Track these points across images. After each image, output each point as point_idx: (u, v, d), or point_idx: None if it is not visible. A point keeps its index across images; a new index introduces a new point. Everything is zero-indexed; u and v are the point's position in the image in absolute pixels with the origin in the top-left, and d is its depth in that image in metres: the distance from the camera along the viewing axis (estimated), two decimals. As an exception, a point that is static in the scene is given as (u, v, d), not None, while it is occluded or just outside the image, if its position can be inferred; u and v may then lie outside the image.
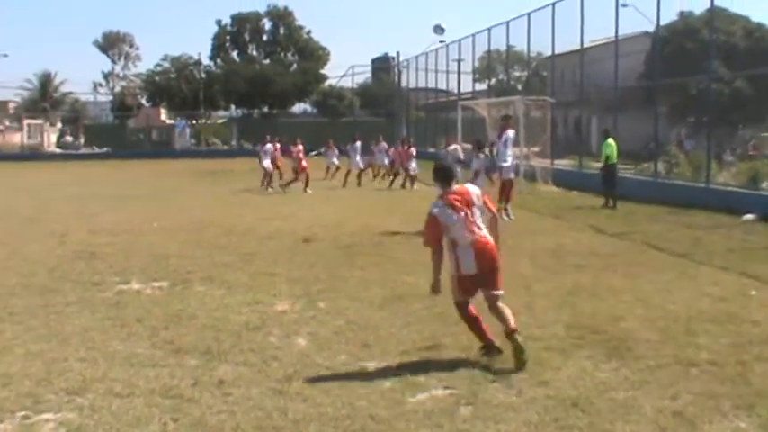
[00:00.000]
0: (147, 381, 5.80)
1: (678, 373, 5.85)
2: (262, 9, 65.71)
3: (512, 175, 16.16)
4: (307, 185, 23.05)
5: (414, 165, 23.90)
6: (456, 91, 38.14)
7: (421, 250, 6.72)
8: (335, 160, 27.12)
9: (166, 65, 63.50)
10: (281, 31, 65.40)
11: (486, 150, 15.65)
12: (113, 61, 70.13)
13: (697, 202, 16.74)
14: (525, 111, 23.95)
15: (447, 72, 39.62)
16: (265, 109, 63.20)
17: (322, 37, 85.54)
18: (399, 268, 10.00)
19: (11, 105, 69.11)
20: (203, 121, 61.63)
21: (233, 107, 64.54)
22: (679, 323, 7.24)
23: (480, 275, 6.12)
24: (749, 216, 14.98)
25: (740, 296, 8.43)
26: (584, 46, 25.06)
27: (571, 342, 6.63)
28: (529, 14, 27.74)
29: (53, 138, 58.42)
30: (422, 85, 45.75)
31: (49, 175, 33.68)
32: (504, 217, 14.87)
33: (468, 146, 17.43)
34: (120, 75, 70.31)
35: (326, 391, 5.52)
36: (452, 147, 19.69)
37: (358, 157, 26.34)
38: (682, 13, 30.92)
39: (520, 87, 35.91)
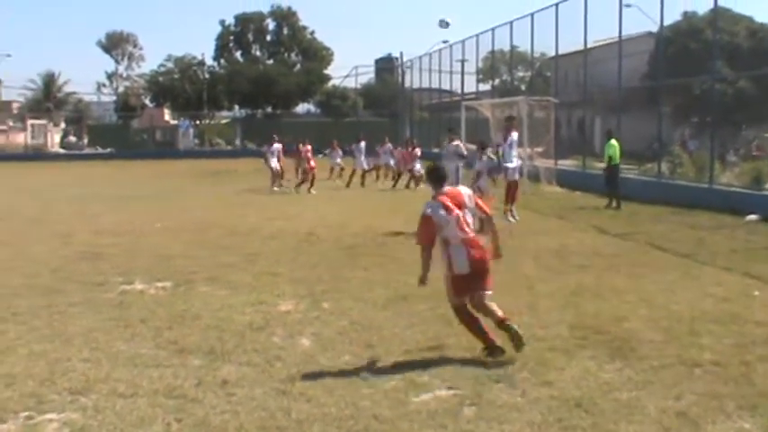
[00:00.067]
0: (150, 381, 5.81)
1: (682, 373, 5.85)
2: (265, 9, 66.07)
3: (517, 176, 16.19)
4: (312, 186, 23.15)
5: (418, 166, 23.91)
6: (460, 91, 38.06)
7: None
8: (339, 161, 27.23)
9: (170, 65, 63.76)
10: (285, 31, 65.53)
11: (490, 152, 15.62)
12: (117, 61, 70.42)
13: (700, 203, 16.74)
14: (529, 111, 23.96)
15: (451, 72, 39.56)
16: (269, 109, 63.30)
17: (325, 37, 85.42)
18: (403, 269, 9.96)
19: (14, 105, 69.02)
20: (207, 121, 61.77)
21: (236, 107, 64.70)
22: (682, 323, 7.23)
23: (473, 275, 6.19)
24: (752, 216, 14.96)
25: (743, 296, 8.42)
26: (588, 46, 25.03)
27: (575, 342, 6.63)
28: (532, 15, 27.75)
29: (57, 138, 58.37)
30: (425, 85, 45.66)
31: (53, 175, 33.71)
32: (510, 218, 14.89)
33: (473, 146, 17.38)
34: (124, 75, 70.60)
35: (330, 391, 5.52)
36: (455, 142, 19.67)
37: (363, 158, 26.42)
38: (685, 14, 30.88)
39: (523, 88, 35.94)
